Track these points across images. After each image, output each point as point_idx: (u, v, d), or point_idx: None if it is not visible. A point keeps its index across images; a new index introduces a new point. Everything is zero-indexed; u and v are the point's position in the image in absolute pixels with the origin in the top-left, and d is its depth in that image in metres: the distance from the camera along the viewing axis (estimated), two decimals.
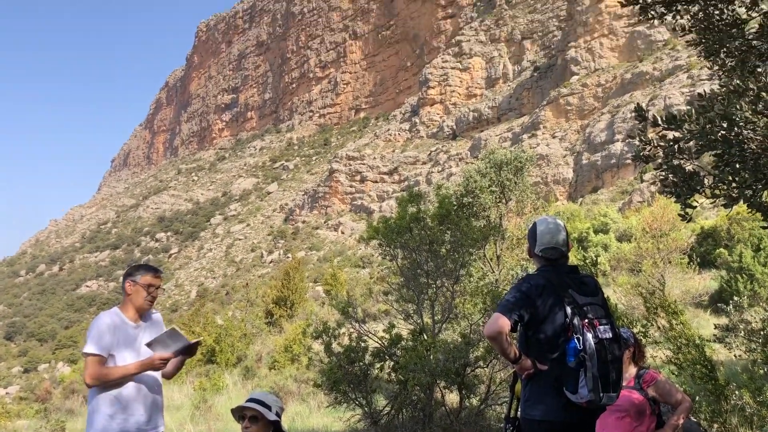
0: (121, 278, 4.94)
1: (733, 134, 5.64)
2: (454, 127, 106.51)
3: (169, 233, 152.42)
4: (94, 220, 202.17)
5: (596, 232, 32.34)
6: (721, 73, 8.13)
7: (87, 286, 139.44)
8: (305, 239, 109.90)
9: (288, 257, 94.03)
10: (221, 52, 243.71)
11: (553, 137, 79.97)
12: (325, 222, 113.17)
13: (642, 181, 55.87)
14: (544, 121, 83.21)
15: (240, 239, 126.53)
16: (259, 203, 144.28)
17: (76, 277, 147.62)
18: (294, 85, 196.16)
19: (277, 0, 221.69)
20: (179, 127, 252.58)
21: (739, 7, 8.02)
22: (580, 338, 3.90)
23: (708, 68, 8.86)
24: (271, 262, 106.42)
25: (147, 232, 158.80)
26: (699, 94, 6.22)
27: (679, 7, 8.38)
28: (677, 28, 8.12)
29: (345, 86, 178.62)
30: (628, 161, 61.91)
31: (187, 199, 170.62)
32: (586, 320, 3.96)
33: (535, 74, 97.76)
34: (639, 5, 8.46)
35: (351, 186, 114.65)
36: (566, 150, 76.33)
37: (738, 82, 5.71)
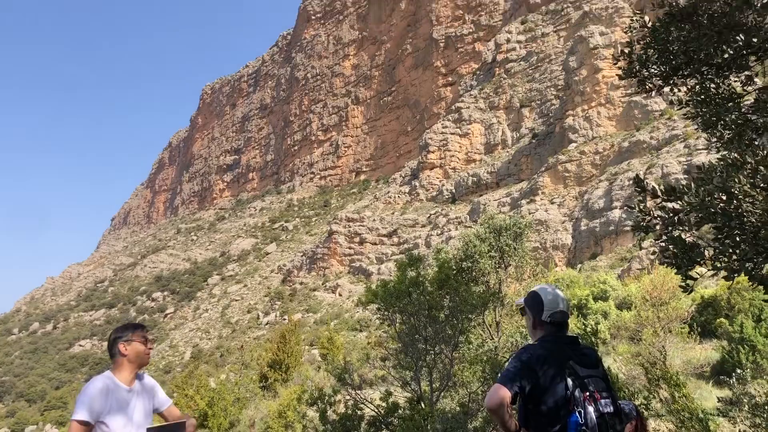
0: (108, 343, 4.87)
1: (732, 207, 5.67)
2: (454, 191, 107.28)
3: (165, 293, 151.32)
4: (91, 278, 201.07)
5: (596, 299, 32.12)
6: (718, 145, 8.24)
7: (80, 345, 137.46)
8: (302, 301, 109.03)
9: (284, 319, 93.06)
10: (225, 114, 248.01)
11: (552, 203, 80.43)
12: (322, 283, 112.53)
13: (641, 248, 55.88)
14: (543, 187, 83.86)
15: (236, 300, 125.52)
16: (257, 264, 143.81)
17: (70, 335, 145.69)
18: (296, 148, 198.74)
19: (281, 65, 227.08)
20: (180, 186, 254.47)
21: (735, 81, 8.21)
22: (582, 412, 3.82)
23: (705, 139, 8.98)
24: (267, 323, 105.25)
25: (144, 291, 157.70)
26: (698, 166, 6.29)
27: (677, 81, 8.58)
28: (675, 102, 8.28)
29: (346, 149, 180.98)
30: (627, 228, 62.06)
31: (186, 258, 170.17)
32: (588, 393, 3.89)
33: (534, 141, 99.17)
34: (637, 78, 8.67)
35: (350, 248, 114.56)
36: (565, 216, 76.65)
37: (736, 155, 5.79)
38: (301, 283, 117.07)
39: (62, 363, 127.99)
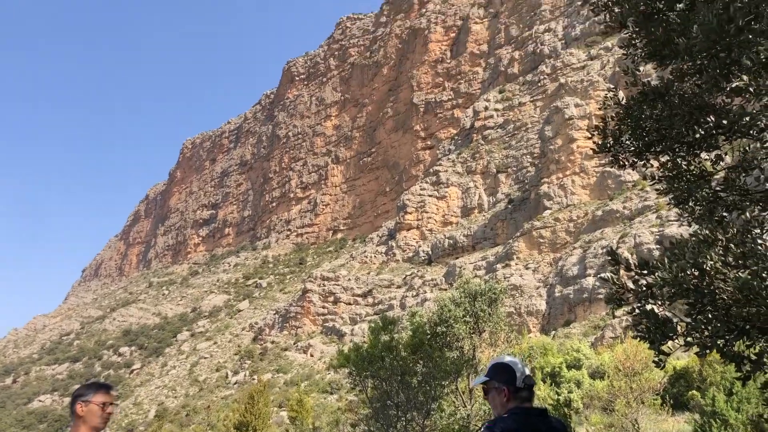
0: (70, 400, 4.73)
1: (704, 284, 5.74)
2: (430, 252, 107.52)
3: (133, 348, 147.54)
4: (57, 330, 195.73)
5: (569, 367, 31.96)
6: (690, 220, 8.41)
7: (40, 401, 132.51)
8: (273, 360, 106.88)
9: (254, 379, 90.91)
10: (204, 169, 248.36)
11: (527, 268, 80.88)
12: (294, 343, 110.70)
13: (614, 317, 56.10)
14: (518, 252, 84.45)
15: (205, 357, 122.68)
16: (228, 321, 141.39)
17: (30, 390, 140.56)
18: (274, 204, 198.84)
19: (263, 123, 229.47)
20: (155, 240, 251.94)
21: (706, 159, 8.45)
22: None
23: (677, 213, 9.14)
24: (235, 383, 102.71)
25: (110, 346, 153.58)
26: (671, 241, 6.40)
27: (649, 157, 8.80)
28: (648, 177, 8.47)
29: (324, 207, 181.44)
30: (600, 296, 62.42)
31: (156, 313, 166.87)
32: None
33: (510, 206, 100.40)
34: (611, 153, 8.88)
35: (324, 307, 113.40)
36: (539, 282, 76.99)
37: (707, 231, 5.91)
38: (272, 342, 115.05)
39: (20, 419, 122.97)
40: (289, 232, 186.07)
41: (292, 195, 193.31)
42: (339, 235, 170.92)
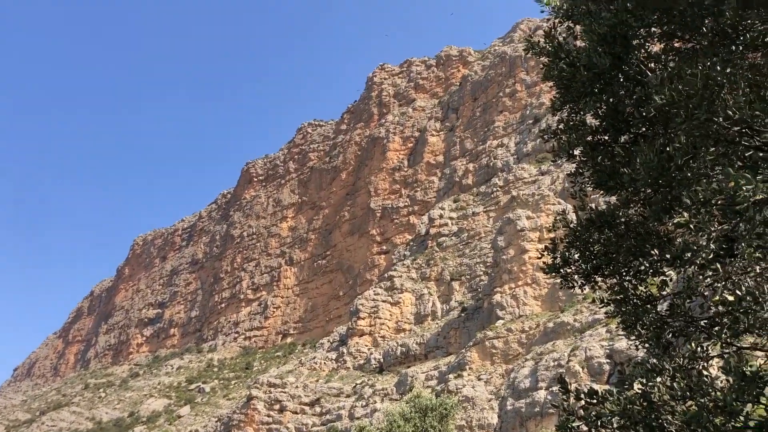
0: None
1: (653, 416, 5.72)
2: (382, 360, 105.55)
3: None
4: None
5: None
6: (638, 344, 8.48)
7: None
8: None
9: None
10: (154, 267, 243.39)
11: (479, 379, 79.84)
12: None
13: None
14: (470, 362, 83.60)
15: None
16: (167, 427, 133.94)
17: None
18: (223, 305, 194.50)
19: (218, 222, 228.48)
20: (96, 338, 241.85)
21: (652, 285, 8.65)
22: None
23: (625, 336, 9.26)
24: None
25: None
26: (618, 370, 6.38)
27: (597, 280, 8.98)
28: (596, 301, 8.60)
29: (275, 310, 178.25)
30: (552, 411, 61.65)
31: (89, 417, 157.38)
32: None
33: (463, 315, 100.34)
34: (560, 275, 9.04)
35: (269, 416, 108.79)
36: (491, 394, 75.87)
37: (655, 361, 5.96)
38: None
39: None
40: (237, 335, 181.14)
41: (242, 296, 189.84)
42: (289, 340, 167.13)
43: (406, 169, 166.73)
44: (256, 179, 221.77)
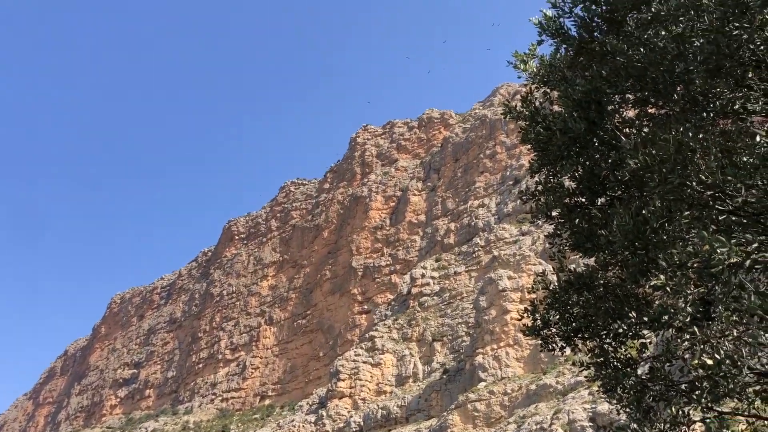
0: None
1: None
2: (362, 423, 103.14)
3: None
4: None
5: None
6: (618, 408, 8.38)
7: None
8: None
9: None
10: (131, 326, 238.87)
11: None
12: None
13: None
14: (452, 426, 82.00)
15: None
16: None
17: None
18: (200, 366, 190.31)
19: (198, 281, 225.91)
20: (68, 399, 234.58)
21: (631, 347, 8.62)
22: None
23: (606, 400, 9.12)
24: None
25: None
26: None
27: (577, 342, 8.94)
28: (576, 364, 8.54)
29: (253, 371, 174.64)
30: None
31: None
32: None
33: (445, 376, 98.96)
34: (540, 337, 8.99)
35: None
36: None
37: (635, 426, 5.89)
38: None
39: None
40: (214, 396, 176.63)
41: (220, 356, 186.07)
42: (267, 401, 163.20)
43: (388, 228, 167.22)
44: (237, 237, 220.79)
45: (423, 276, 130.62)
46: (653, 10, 6.82)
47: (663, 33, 7.01)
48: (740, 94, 7.06)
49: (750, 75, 6.80)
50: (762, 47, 6.42)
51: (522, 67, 9.25)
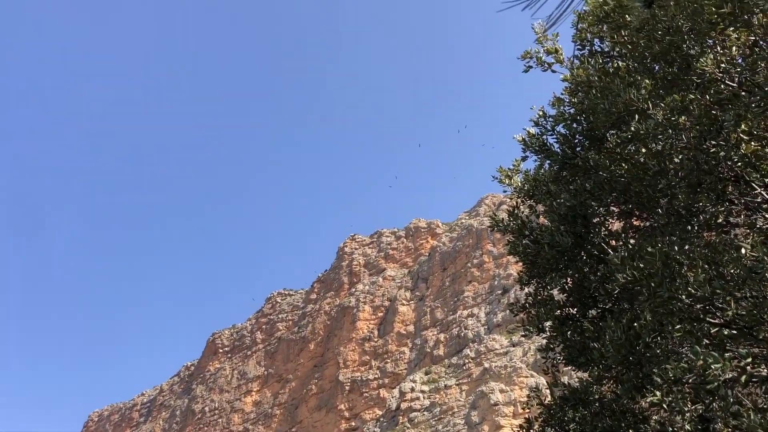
0: None
1: None
2: None
3: None
4: None
5: None
6: None
7: None
8: None
9: None
10: None
11: None
12: None
13: None
14: None
15: None
16: None
17: None
18: None
19: (179, 396, 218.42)
20: None
21: None
22: None
23: None
24: None
25: None
26: None
27: None
28: None
29: None
30: None
31: None
32: None
33: None
34: None
35: None
36: None
37: None
38: None
39: None
40: None
41: None
42: None
43: (376, 340, 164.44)
44: (221, 350, 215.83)
45: (413, 390, 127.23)
46: (632, 129, 7.11)
47: (643, 150, 7.27)
48: (722, 208, 7.23)
49: (730, 189, 7.00)
50: (739, 163, 6.65)
51: (507, 181, 9.48)
